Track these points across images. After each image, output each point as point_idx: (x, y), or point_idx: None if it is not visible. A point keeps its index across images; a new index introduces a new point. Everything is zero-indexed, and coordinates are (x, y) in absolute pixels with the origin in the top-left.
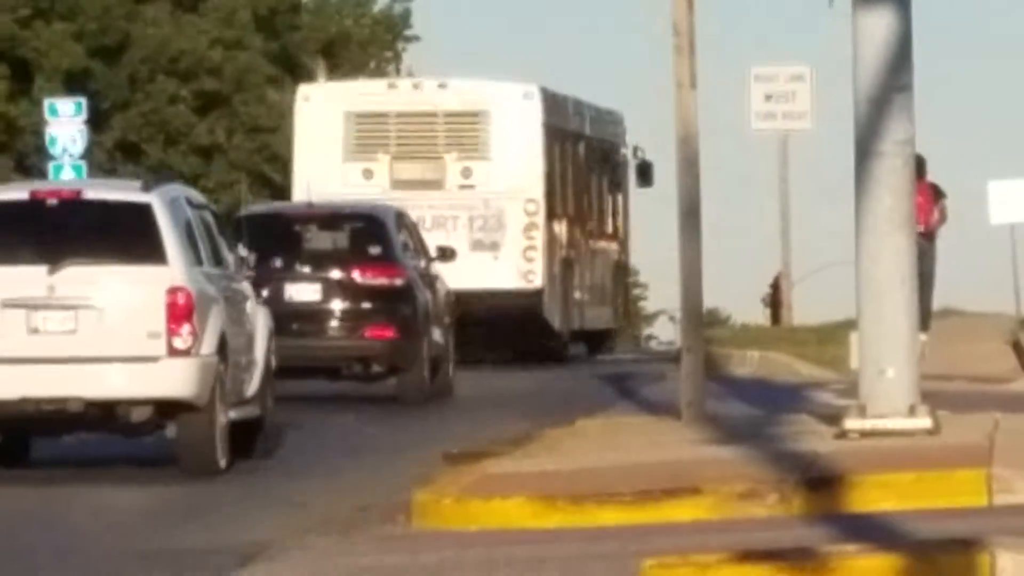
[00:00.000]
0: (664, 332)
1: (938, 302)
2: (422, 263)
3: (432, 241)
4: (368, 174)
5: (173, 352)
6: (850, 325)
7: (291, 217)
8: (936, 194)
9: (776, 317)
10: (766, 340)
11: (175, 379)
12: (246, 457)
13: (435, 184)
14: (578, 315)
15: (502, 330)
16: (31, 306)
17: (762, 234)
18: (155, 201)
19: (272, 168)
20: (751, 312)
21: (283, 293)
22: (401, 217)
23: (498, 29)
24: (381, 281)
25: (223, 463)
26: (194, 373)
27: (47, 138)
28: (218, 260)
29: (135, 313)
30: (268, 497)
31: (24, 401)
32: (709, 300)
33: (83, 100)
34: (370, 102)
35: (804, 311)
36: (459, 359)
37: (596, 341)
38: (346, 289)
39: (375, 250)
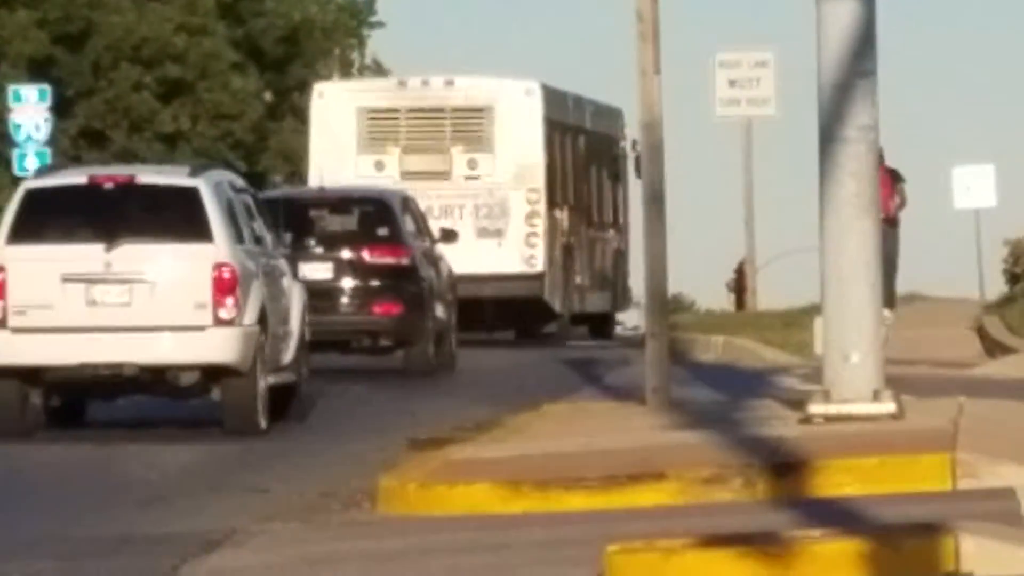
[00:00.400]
0: (629, 318)
1: (903, 287)
2: (426, 244)
3: (435, 228)
4: (380, 166)
5: (218, 322)
6: (814, 310)
7: (304, 201)
8: (895, 178)
9: (740, 303)
10: (731, 326)
11: (220, 346)
12: (282, 419)
13: (442, 175)
14: (578, 299)
15: (506, 312)
16: (90, 280)
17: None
18: (202, 185)
19: (236, 155)
20: (715, 298)
21: (296, 272)
22: (406, 201)
23: (462, 14)
24: (388, 260)
25: (263, 424)
26: (237, 341)
27: (11, 125)
28: (257, 239)
29: (184, 286)
30: (230, 485)
31: (83, 366)
32: (673, 286)
33: (47, 87)
34: (381, 98)
35: (768, 297)
36: (467, 339)
37: (596, 324)
38: (356, 268)
39: (383, 232)
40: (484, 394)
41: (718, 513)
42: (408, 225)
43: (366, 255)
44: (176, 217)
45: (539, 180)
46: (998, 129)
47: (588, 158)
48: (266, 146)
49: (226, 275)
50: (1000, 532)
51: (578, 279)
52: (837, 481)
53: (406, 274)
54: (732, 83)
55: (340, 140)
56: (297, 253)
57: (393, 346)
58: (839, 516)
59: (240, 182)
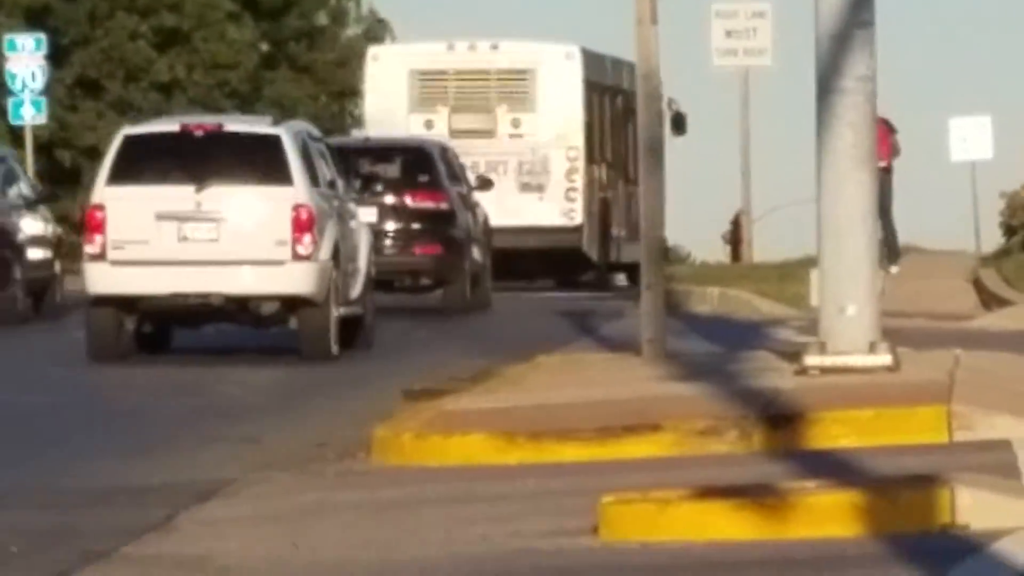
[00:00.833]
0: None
1: (899, 239)
2: (464, 190)
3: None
4: (429, 124)
5: (297, 257)
6: (810, 262)
7: (350, 150)
8: (888, 129)
9: (736, 255)
10: (726, 277)
11: (298, 279)
12: (349, 348)
13: (488, 133)
14: (615, 249)
15: (547, 261)
16: (181, 218)
17: (723, 172)
18: (283, 133)
19: (231, 105)
20: (711, 250)
21: None
22: (445, 150)
23: None
24: (428, 205)
25: (336, 351)
26: (313, 275)
27: (6, 74)
28: (331, 183)
29: (266, 225)
30: (224, 435)
31: (175, 296)
32: (670, 238)
33: (43, 36)
34: (431, 61)
35: (764, 249)
36: (507, 285)
37: (633, 272)
38: (398, 212)
39: (423, 178)
40: (479, 344)
41: (713, 465)
42: (446, 172)
43: (408, 200)
44: (259, 162)
45: (578, 138)
46: (995, 80)
47: (625, 117)
48: (261, 95)
49: (304, 215)
50: (996, 484)
51: (614, 231)
52: (833, 433)
53: (445, 218)
54: (729, 33)
55: (393, 100)
56: None
57: (432, 285)
58: (835, 468)
59: (316, 132)
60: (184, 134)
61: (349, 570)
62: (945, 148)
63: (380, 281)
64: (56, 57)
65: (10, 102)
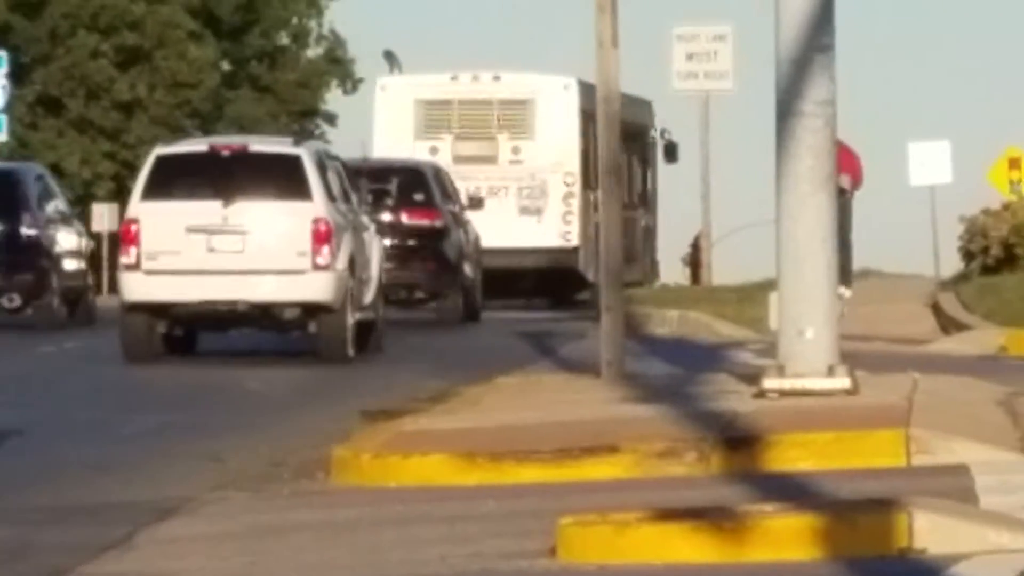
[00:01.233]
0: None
1: (857, 263)
2: (456, 209)
3: (487, 206)
4: (434, 151)
5: (316, 267)
6: (770, 285)
7: (349, 169)
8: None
9: (696, 277)
10: (686, 300)
11: (317, 287)
12: (363, 351)
13: (490, 159)
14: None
15: (544, 280)
16: (209, 231)
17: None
18: (303, 153)
19: (193, 124)
20: (671, 272)
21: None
22: (438, 172)
23: None
24: (423, 222)
25: (351, 353)
26: (331, 283)
27: None
28: (347, 199)
29: (287, 237)
30: (184, 453)
31: (204, 303)
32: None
33: (3, 54)
34: (436, 91)
35: (724, 271)
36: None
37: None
38: (395, 229)
39: (418, 197)
40: (439, 366)
41: (672, 487)
42: (440, 192)
43: (404, 217)
44: (281, 179)
45: (574, 165)
46: (955, 105)
47: (620, 144)
48: (222, 115)
49: (322, 228)
50: (954, 509)
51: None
52: (791, 456)
53: (439, 235)
54: (690, 57)
55: (400, 128)
56: None
57: (427, 298)
58: (793, 491)
59: (332, 151)
60: (212, 154)
61: None
62: (904, 172)
63: None
64: (17, 75)
65: None
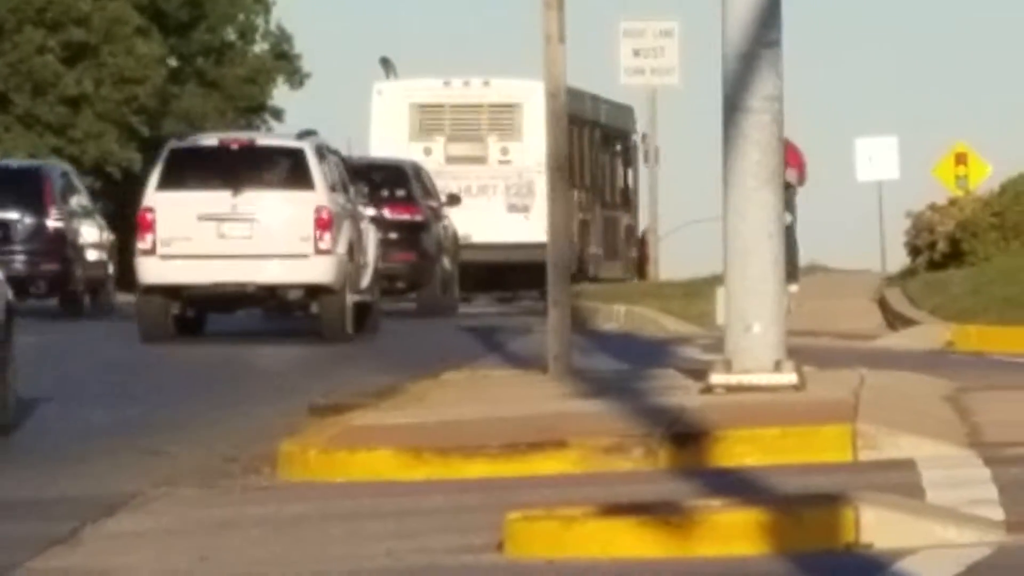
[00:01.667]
0: None
1: (805, 259)
2: (435, 205)
3: (476, 203)
4: (427, 151)
5: (318, 251)
6: (716, 281)
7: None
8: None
9: (642, 272)
10: (632, 295)
11: (319, 270)
12: (360, 331)
13: (480, 160)
14: (593, 265)
15: (531, 274)
16: (219, 219)
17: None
18: (305, 146)
19: (139, 120)
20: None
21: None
22: (418, 170)
23: None
24: (404, 217)
25: (351, 331)
26: (332, 266)
27: None
28: (345, 189)
29: (292, 224)
30: (130, 449)
31: (214, 285)
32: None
33: None
34: (430, 96)
35: (671, 267)
36: (499, 296)
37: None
38: (377, 222)
39: (400, 193)
40: (385, 361)
41: (619, 482)
42: (420, 189)
43: (386, 212)
44: (286, 171)
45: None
46: (901, 101)
47: (603, 147)
48: (169, 110)
49: (324, 215)
50: (900, 503)
51: (592, 249)
52: (738, 451)
53: (419, 228)
54: (637, 52)
55: (395, 130)
56: None
57: (407, 289)
58: (740, 486)
59: (332, 146)
60: (222, 147)
61: None
62: (852, 168)
63: None
64: None
65: None
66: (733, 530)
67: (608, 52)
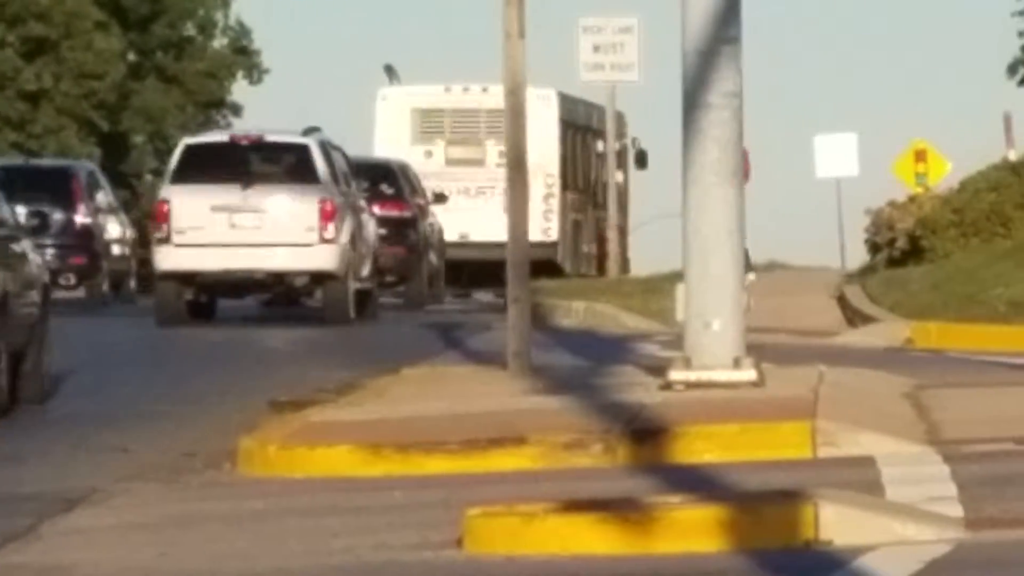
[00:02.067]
0: None
1: (764, 256)
2: (422, 203)
3: (474, 204)
4: (428, 154)
5: (323, 240)
6: (676, 277)
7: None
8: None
9: (602, 268)
10: (592, 291)
11: (324, 258)
12: (360, 316)
13: (478, 162)
14: (584, 262)
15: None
16: (231, 210)
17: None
18: (310, 143)
19: (99, 114)
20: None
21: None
22: (406, 169)
23: None
24: (393, 213)
25: (352, 315)
26: (336, 254)
27: None
28: (347, 183)
29: (298, 215)
30: (91, 443)
31: (226, 272)
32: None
33: None
34: (431, 101)
35: (634, 263)
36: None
37: None
38: None
39: (389, 191)
40: (344, 358)
41: (578, 478)
42: (408, 187)
43: (376, 208)
44: (293, 165)
45: (554, 168)
46: (861, 98)
47: (595, 152)
48: (128, 105)
49: (328, 207)
50: (859, 500)
51: (584, 247)
52: (697, 448)
53: (407, 224)
54: (596, 48)
55: (398, 134)
56: None
57: (396, 282)
58: (699, 483)
59: (334, 142)
60: (233, 143)
61: None
62: (811, 165)
63: None
64: None
65: None
66: (692, 527)
67: (568, 48)
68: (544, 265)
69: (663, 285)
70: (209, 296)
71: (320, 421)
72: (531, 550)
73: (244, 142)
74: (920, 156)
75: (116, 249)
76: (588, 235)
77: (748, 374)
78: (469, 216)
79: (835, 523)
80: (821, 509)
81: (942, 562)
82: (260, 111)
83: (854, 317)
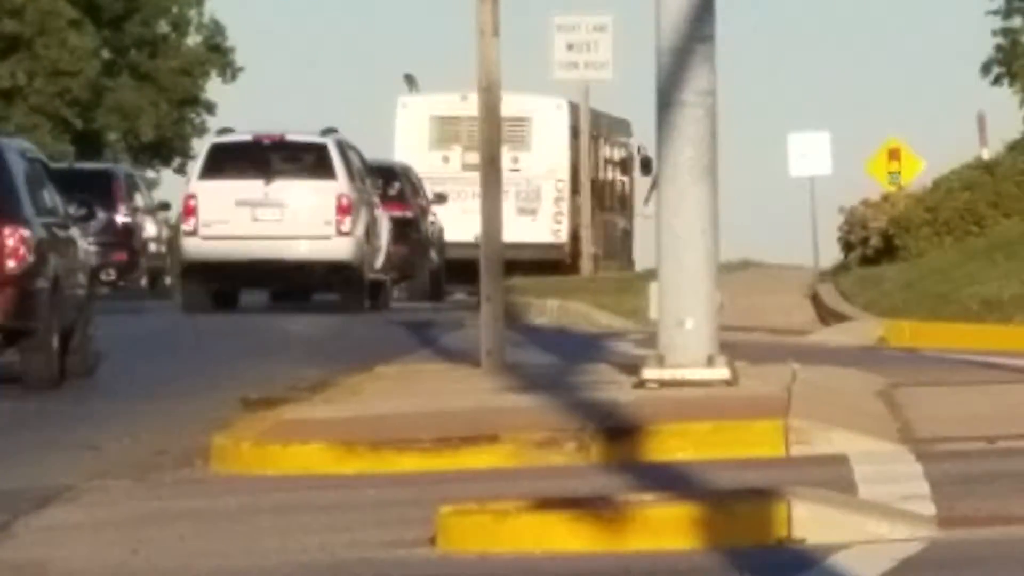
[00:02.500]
0: None
1: (737, 254)
2: (424, 203)
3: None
4: (446, 159)
5: (340, 233)
6: (649, 275)
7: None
8: None
9: (575, 267)
10: (565, 290)
11: (341, 249)
12: (375, 308)
13: None
14: (592, 264)
15: (538, 270)
16: (254, 204)
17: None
18: (328, 142)
19: (72, 112)
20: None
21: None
22: (408, 171)
23: None
24: (396, 213)
25: (367, 305)
26: (352, 246)
27: None
28: (363, 180)
29: (317, 209)
30: (61, 442)
31: (249, 262)
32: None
33: None
34: (448, 109)
35: (636, 264)
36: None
37: None
38: None
39: (392, 191)
40: (318, 355)
41: (551, 476)
42: (409, 188)
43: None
44: (312, 163)
45: (564, 173)
46: (834, 97)
47: (603, 158)
48: (102, 103)
49: (344, 202)
50: (832, 498)
51: (592, 249)
52: (671, 446)
53: (410, 224)
54: (570, 46)
55: (417, 140)
56: None
57: (399, 279)
58: (672, 481)
59: (351, 142)
60: (256, 143)
61: None
62: (784, 163)
63: None
64: None
65: None
66: (665, 525)
67: (542, 46)
68: (554, 265)
69: (636, 283)
70: (233, 286)
71: (293, 419)
72: (504, 548)
73: (266, 141)
74: (893, 155)
75: (153, 247)
76: (597, 237)
77: (721, 372)
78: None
79: (808, 521)
80: (794, 507)
81: (915, 560)
82: (235, 109)
83: (827, 316)
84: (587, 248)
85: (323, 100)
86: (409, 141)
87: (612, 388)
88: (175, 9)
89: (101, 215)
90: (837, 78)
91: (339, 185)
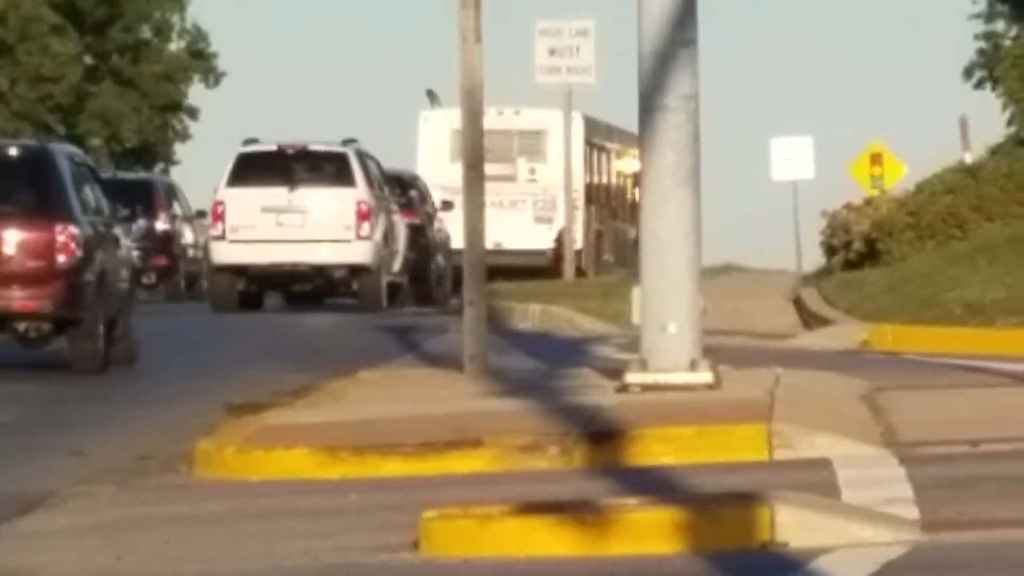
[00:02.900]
0: None
1: (720, 258)
2: (431, 210)
3: (508, 216)
4: None
5: (359, 238)
6: (633, 280)
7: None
8: None
9: (558, 271)
10: (548, 294)
11: (360, 253)
12: (395, 306)
13: (511, 178)
14: (606, 269)
15: (555, 275)
16: (278, 210)
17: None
18: (348, 152)
19: (55, 118)
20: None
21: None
22: (415, 179)
23: None
24: (405, 220)
25: (385, 305)
26: (371, 250)
27: None
28: (381, 188)
29: (337, 215)
30: (46, 447)
31: (273, 265)
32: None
33: None
34: None
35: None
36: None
37: None
38: None
39: (401, 199)
40: (301, 360)
41: (534, 481)
42: (417, 196)
43: None
44: (333, 171)
45: (579, 184)
46: (817, 101)
47: (617, 169)
48: (84, 108)
49: (364, 208)
50: (815, 502)
51: (605, 255)
52: (654, 450)
53: (417, 230)
54: (552, 51)
55: (438, 152)
56: None
57: (407, 283)
58: (656, 485)
59: (369, 152)
60: (280, 152)
61: None
62: (767, 167)
63: None
64: None
65: None
66: (649, 529)
67: (524, 51)
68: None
69: (620, 287)
70: (258, 287)
71: (277, 424)
72: (487, 552)
73: (290, 151)
74: (876, 159)
75: (191, 252)
76: (609, 244)
77: (704, 376)
78: (502, 227)
79: (791, 525)
80: (777, 511)
81: (898, 564)
82: (218, 115)
83: (810, 320)
84: (587, 254)
85: (326, 108)
86: (431, 154)
87: (595, 392)
88: (157, 15)
89: (142, 222)
90: (820, 82)
91: (358, 192)
